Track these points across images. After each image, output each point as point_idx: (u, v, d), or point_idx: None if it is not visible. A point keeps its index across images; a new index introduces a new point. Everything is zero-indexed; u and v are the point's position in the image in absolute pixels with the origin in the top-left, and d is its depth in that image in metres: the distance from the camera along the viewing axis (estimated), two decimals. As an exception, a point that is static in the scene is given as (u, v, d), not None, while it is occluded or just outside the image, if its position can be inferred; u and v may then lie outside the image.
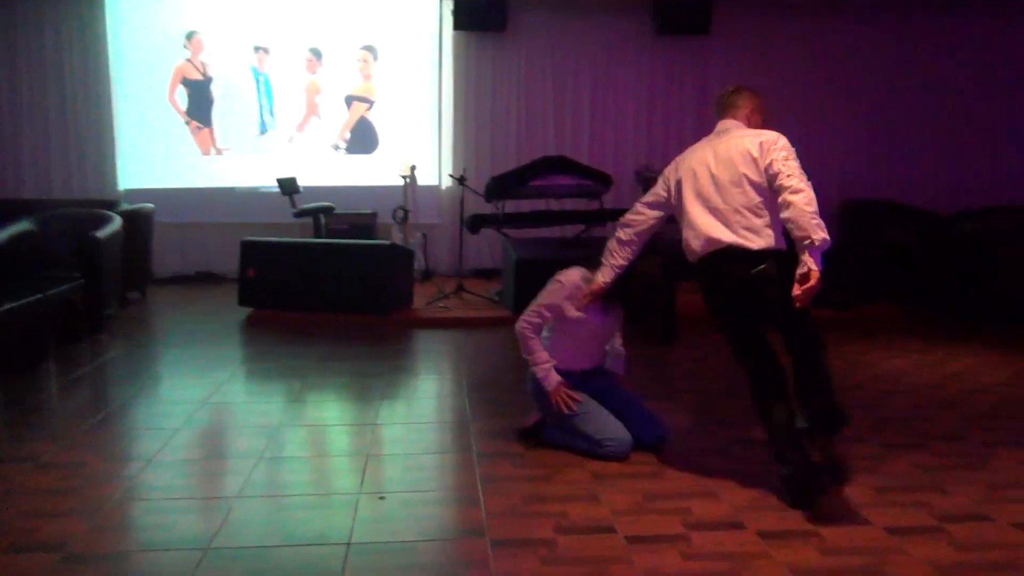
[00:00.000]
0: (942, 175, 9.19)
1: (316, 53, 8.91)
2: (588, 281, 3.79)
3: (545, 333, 3.95)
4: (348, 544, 2.92)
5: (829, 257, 3.08)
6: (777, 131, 3.48)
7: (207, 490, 3.41)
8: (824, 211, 3.19)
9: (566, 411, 3.74)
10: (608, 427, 3.73)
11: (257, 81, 8.89)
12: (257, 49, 8.85)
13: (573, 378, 3.85)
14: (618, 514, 3.17)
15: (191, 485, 3.45)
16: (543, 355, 3.83)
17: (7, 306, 4.85)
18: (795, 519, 3.13)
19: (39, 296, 5.23)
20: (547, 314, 3.85)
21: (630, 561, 2.81)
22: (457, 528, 3.08)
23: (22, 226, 6.54)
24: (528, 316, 3.85)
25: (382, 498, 3.33)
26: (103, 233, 6.31)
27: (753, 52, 9.06)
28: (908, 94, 9.09)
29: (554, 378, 3.79)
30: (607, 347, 4.06)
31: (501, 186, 7.11)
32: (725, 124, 3.63)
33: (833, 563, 2.81)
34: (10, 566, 2.76)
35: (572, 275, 3.84)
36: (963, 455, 3.84)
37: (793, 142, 3.41)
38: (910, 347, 6.05)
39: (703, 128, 8.94)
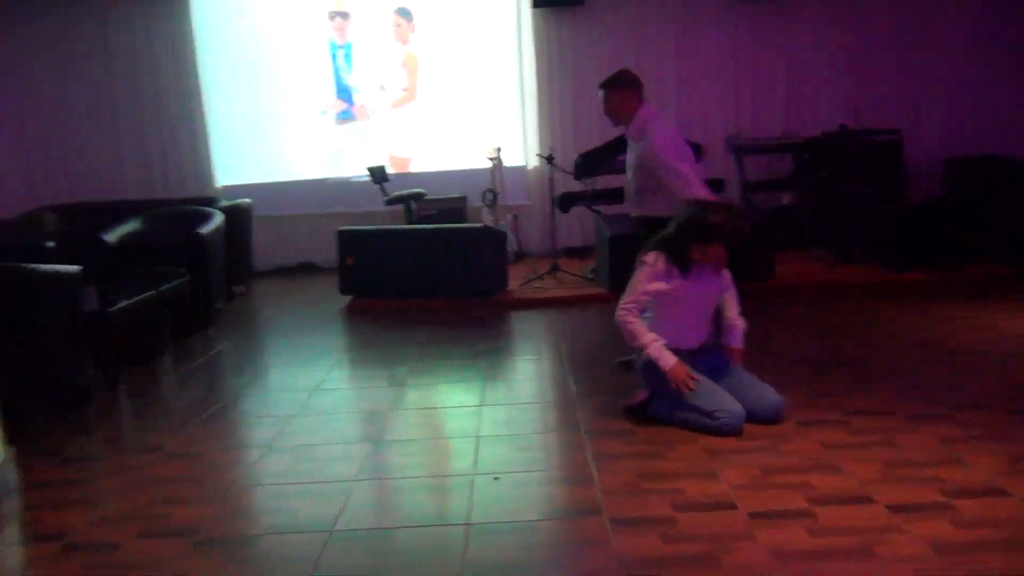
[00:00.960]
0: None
1: (405, 14, 8.95)
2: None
3: (648, 313, 3.88)
4: (467, 525, 2.94)
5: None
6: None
7: (325, 475, 3.47)
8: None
9: (685, 391, 3.67)
10: (721, 399, 3.65)
11: (334, 56, 8.99)
12: (333, 15, 8.93)
13: (681, 357, 3.78)
14: (737, 489, 3.10)
15: (309, 470, 3.53)
16: (649, 336, 3.77)
17: (124, 303, 5.04)
18: (926, 492, 3.00)
19: (153, 292, 5.43)
20: (643, 298, 3.79)
21: (754, 538, 2.74)
22: (574, 507, 3.07)
23: (130, 226, 6.79)
24: (625, 304, 3.81)
25: (496, 479, 3.34)
26: (206, 229, 6.50)
27: (841, 12, 8.71)
28: (1016, 47, 8.60)
29: (669, 357, 3.73)
30: (718, 321, 3.97)
31: (589, 163, 7.03)
32: None
33: (973, 536, 2.68)
34: (146, 551, 2.88)
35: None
36: (986, 426, 3.61)
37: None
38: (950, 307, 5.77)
39: (792, 92, 8.84)
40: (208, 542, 2.92)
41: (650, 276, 3.77)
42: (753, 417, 3.68)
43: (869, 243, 7.34)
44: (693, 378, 3.69)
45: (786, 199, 8.56)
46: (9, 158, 8.74)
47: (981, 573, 2.46)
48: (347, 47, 8.97)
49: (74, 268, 4.46)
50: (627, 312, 3.80)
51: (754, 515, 2.89)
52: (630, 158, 4.72)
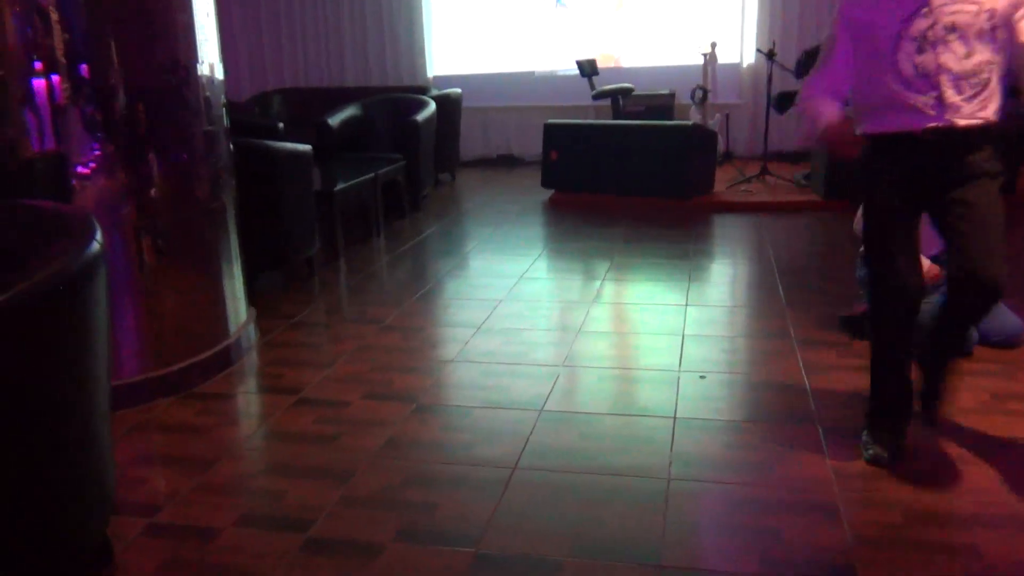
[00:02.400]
0: None
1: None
2: None
3: None
4: (674, 418, 2.95)
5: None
6: None
7: (534, 358, 3.59)
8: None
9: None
10: None
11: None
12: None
13: None
14: (965, 413, 2.93)
15: (518, 352, 3.66)
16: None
17: (345, 184, 5.33)
18: None
19: (371, 175, 5.70)
20: None
21: (983, 463, 2.59)
22: (784, 412, 3.01)
23: (350, 111, 7.10)
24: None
25: (703, 377, 3.32)
26: (421, 117, 6.70)
27: None
28: None
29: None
30: None
31: (815, 60, 6.58)
32: None
33: None
34: (371, 411, 3.11)
35: None
36: None
37: None
38: None
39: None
40: (426, 409, 3.12)
41: None
42: (986, 340, 3.43)
43: None
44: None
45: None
46: (240, 44, 9.30)
47: None
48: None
49: (306, 147, 4.74)
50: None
51: (982, 439, 2.73)
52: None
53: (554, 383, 3.29)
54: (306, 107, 8.15)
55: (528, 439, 2.82)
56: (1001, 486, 2.45)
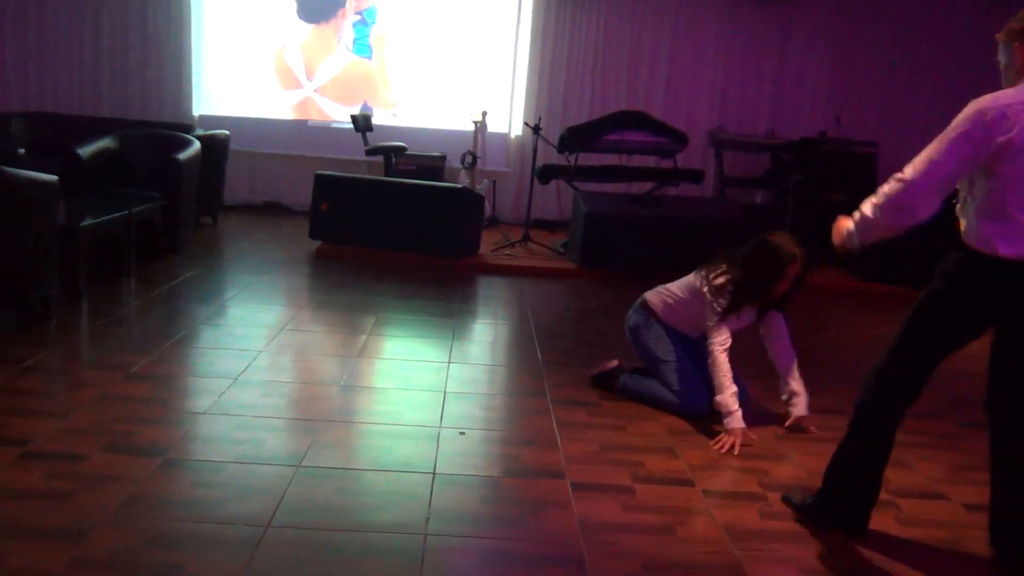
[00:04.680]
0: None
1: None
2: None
3: (671, 301, 3.88)
4: (433, 474, 2.99)
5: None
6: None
7: (293, 412, 3.50)
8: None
9: (724, 450, 3.41)
10: (691, 379, 3.74)
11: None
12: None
13: (677, 335, 3.87)
14: (695, 469, 3.21)
15: (277, 405, 3.55)
16: (733, 390, 3.52)
17: (94, 220, 4.97)
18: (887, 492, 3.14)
19: (125, 212, 5.35)
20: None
21: (711, 514, 2.85)
22: (537, 468, 3.14)
23: (104, 143, 6.65)
24: (722, 340, 3.59)
25: (462, 433, 3.40)
26: (183, 156, 6.40)
27: (836, 19, 8.85)
28: (989, 76, 8.78)
29: (739, 421, 3.48)
30: None
31: (576, 138, 7.08)
32: None
33: (913, 533, 2.83)
34: (110, 465, 2.88)
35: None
36: (933, 436, 3.78)
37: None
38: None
39: (780, 94, 8.96)
40: (174, 463, 2.94)
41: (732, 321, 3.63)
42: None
43: (829, 250, 7.52)
44: (733, 445, 3.43)
45: (760, 197, 8.72)
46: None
47: (916, 567, 2.60)
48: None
49: (52, 177, 4.38)
50: (724, 351, 3.58)
51: (710, 493, 3.00)
52: None
53: (313, 438, 3.22)
54: (54, 134, 7.54)
55: (283, 496, 2.74)
56: (726, 537, 2.70)
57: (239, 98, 8.92)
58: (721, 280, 3.61)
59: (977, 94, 2.40)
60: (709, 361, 3.57)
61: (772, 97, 9.04)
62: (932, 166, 2.38)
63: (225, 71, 8.91)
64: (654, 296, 3.96)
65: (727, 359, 3.55)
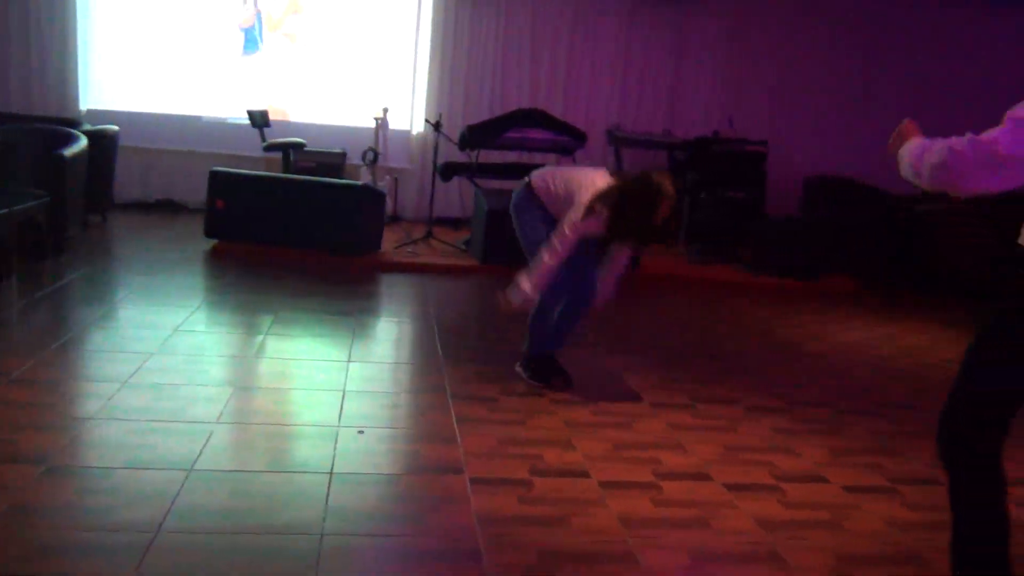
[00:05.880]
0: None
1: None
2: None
3: (552, 188, 3.95)
4: (330, 473, 2.98)
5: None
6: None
7: (186, 415, 3.41)
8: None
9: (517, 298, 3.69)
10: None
11: None
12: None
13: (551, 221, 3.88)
14: (591, 460, 3.29)
15: (169, 408, 3.46)
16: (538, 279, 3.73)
17: (-28, 219, 4.74)
18: (759, 474, 3.29)
19: (4, 211, 5.11)
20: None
21: (605, 504, 2.92)
22: (436, 465, 3.16)
23: (-18, 138, 6.33)
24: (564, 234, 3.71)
25: (361, 432, 3.38)
26: (70, 152, 6.16)
27: (732, 22, 9.14)
28: (875, 81, 9.25)
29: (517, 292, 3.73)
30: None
31: (476, 135, 7.11)
32: None
33: (795, 515, 2.97)
34: (-10, 476, 2.77)
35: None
36: (915, 423, 4.04)
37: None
38: (869, 320, 6.28)
39: (676, 94, 9.21)
40: (59, 470, 2.83)
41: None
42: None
43: (728, 246, 7.80)
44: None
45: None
46: None
47: (802, 548, 2.73)
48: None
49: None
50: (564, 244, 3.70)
51: (605, 484, 3.08)
52: None
53: (207, 441, 3.15)
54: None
55: (175, 501, 2.67)
56: (620, 526, 2.78)
57: (130, 92, 8.60)
58: (599, 207, 3.70)
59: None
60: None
61: (669, 97, 9.27)
62: None
63: (115, 64, 8.58)
64: (539, 180, 4.02)
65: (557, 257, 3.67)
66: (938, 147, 2.10)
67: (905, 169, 2.24)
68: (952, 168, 2.07)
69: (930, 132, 2.21)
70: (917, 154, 2.17)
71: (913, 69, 9.17)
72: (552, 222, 3.86)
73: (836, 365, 4.98)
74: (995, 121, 2.02)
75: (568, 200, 3.82)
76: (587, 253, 3.90)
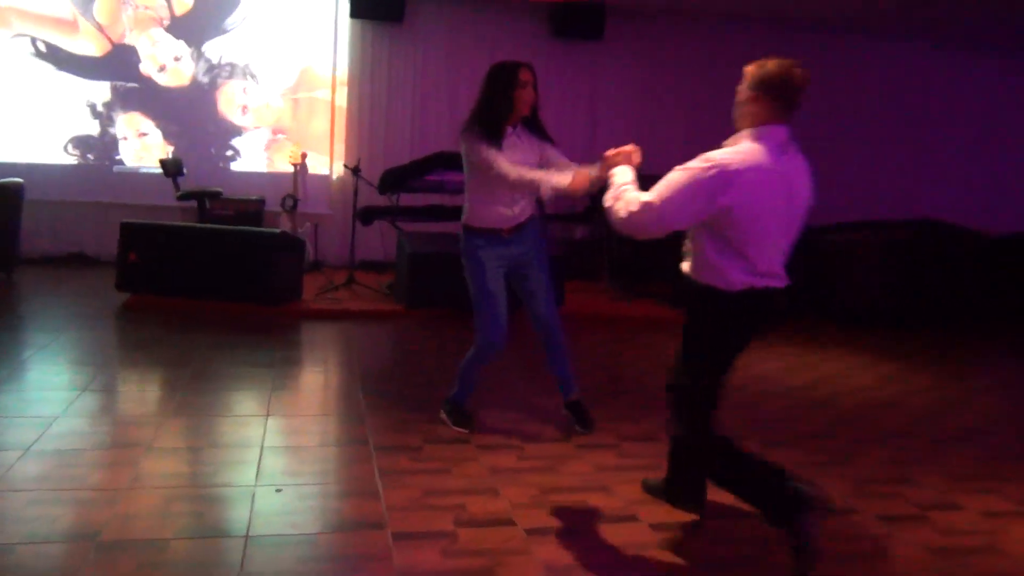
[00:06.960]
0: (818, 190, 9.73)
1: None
2: None
3: (468, 197, 4.05)
4: (246, 537, 2.87)
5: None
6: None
7: (92, 482, 3.26)
8: None
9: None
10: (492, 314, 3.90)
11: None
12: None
13: (497, 240, 3.93)
14: (517, 507, 3.24)
15: (75, 476, 3.30)
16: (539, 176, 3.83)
17: None
18: (684, 513, 3.28)
19: None
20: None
21: (530, 553, 2.88)
22: (357, 521, 3.07)
23: None
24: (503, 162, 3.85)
25: (279, 490, 3.28)
26: (-32, 208, 5.91)
27: (644, 60, 9.36)
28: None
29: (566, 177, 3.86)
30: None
31: (395, 179, 7.08)
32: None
33: (721, 552, 2.96)
34: None
35: None
36: (832, 452, 4.10)
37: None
38: (785, 350, 6.39)
39: (594, 133, 9.34)
40: (-50, 551, 2.66)
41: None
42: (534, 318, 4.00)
43: (648, 283, 7.91)
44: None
45: (580, 232, 9.01)
46: None
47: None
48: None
49: None
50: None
51: (531, 531, 3.04)
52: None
53: (113, 509, 3.01)
54: None
55: (77, 576, 2.54)
56: (546, 574, 2.73)
57: (34, 143, 8.33)
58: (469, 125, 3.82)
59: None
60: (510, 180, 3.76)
61: (586, 134, 9.41)
62: None
63: (18, 116, 8.30)
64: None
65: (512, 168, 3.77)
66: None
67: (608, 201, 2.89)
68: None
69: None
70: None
71: (826, 99, 9.53)
72: (488, 256, 3.91)
73: (754, 397, 5.05)
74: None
75: (473, 187, 4.01)
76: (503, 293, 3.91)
